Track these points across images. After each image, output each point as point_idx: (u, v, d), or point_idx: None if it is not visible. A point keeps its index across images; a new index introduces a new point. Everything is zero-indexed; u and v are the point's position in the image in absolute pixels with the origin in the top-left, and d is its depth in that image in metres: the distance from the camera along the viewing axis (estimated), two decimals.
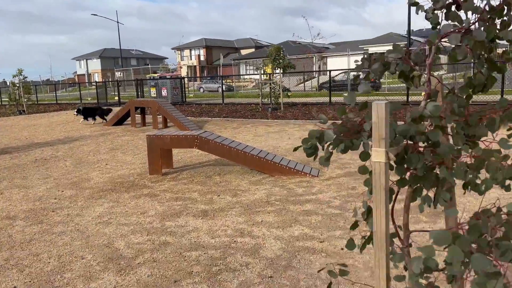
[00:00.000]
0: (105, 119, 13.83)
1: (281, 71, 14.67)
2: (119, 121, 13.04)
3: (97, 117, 13.97)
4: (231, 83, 35.94)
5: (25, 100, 20.71)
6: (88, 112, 13.92)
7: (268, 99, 16.33)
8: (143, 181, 6.03)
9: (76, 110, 14.00)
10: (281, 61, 14.66)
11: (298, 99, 18.12)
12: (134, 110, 12.46)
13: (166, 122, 12.07)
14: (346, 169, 6.14)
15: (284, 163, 5.95)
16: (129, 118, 12.76)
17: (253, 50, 58.55)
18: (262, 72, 15.05)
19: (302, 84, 28.36)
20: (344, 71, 22.87)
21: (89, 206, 4.92)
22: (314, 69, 37.37)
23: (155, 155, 6.25)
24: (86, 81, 60.30)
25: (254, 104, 16.63)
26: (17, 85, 20.84)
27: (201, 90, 36.57)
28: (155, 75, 22.39)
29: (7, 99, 21.98)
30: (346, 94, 1.75)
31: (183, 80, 22.00)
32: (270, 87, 15.47)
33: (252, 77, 40.80)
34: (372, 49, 43.80)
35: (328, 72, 28.05)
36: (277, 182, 5.58)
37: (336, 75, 25.21)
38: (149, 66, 40.98)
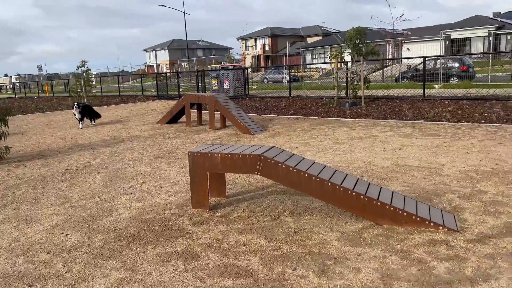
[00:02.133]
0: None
1: (363, 58, 12.16)
2: (174, 119, 11.41)
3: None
4: (296, 73, 33.59)
5: (85, 92, 20.08)
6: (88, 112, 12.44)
7: (343, 92, 13.90)
8: (182, 220, 4.12)
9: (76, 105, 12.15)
10: (362, 45, 12.15)
11: (378, 91, 15.44)
12: (189, 106, 10.74)
13: (224, 121, 10.20)
14: (502, 216, 3.75)
15: (398, 204, 3.71)
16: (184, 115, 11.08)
17: (320, 38, 55.49)
18: (338, 59, 12.66)
19: (377, 73, 25.27)
20: (437, 57, 19.51)
21: (88, 276, 3.07)
22: (389, 57, 33.76)
23: (200, 182, 4.30)
24: (155, 71, 61.03)
25: (326, 98, 14.27)
26: (79, 77, 20.29)
27: (265, 80, 34.65)
28: (217, 65, 20.73)
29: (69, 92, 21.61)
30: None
31: (246, 71, 20.11)
32: (347, 77, 13.02)
33: (320, 66, 38.08)
34: (455, 34, 38.96)
35: (409, 59, 24.55)
36: (390, 241, 3.37)
37: (419, 64, 21.89)
38: (213, 56, 39.79)
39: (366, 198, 3.70)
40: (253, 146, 4.43)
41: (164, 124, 11.44)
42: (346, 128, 9.12)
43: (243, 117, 9.35)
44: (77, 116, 12.07)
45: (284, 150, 4.36)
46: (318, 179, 3.81)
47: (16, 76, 67.85)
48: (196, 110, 11.08)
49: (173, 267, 3.13)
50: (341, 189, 3.76)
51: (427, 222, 3.56)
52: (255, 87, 26.61)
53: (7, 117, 7.97)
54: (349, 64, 14.16)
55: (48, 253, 3.51)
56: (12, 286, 2.97)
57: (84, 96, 20.01)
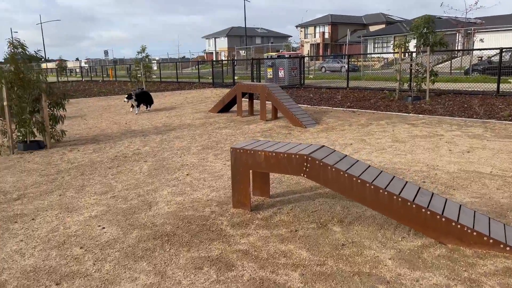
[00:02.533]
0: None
1: (430, 49, 11.19)
2: (225, 108, 11.25)
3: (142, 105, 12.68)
4: (356, 63, 32.33)
5: (144, 78, 20.55)
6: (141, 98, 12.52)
7: (406, 85, 12.97)
8: (221, 220, 3.86)
9: (127, 96, 12.43)
10: (429, 35, 11.17)
11: (445, 85, 14.29)
12: (241, 96, 10.50)
13: (276, 112, 9.85)
14: None
15: (466, 221, 3.18)
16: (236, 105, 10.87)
17: (383, 26, 53.03)
18: (402, 49, 11.76)
19: (443, 65, 23.51)
20: None
21: (116, 279, 2.90)
22: (459, 47, 31.42)
23: (242, 180, 4.01)
24: (214, 59, 61.82)
25: (387, 90, 13.43)
26: (139, 62, 20.78)
27: (323, 69, 33.73)
28: (273, 54, 20.34)
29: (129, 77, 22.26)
30: None
31: (302, 60, 19.54)
32: (411, 69, 12.10)
33: (381, 56, 36.39)
34: None
35: (482, 50, 22.38)
36: (456, 265, 2.88)
37: (493, 56, 20.09)
38: (271, 44, 39.34)
39: (429, 212, 3.21)
40: (301, 144, 4.05)
41: (216, 113, 11.32)
42: (407, 124, 8.41)
43: (295, 109, 8.94)
44: (134, 102, 12.29)
45: (335, 150, 3.94)
46: (372, 187, 3.37)
47: (85, 60, 71.84)
48: (248, 100, 10.83)
49: (205, 276, 2.87)
50: (399, 199, 3.29)
51: (502, 246, 3.01)
52: (311, 76, 25.93)
53: (64, 101, 8.16)
54: (414, 54, 13.17)
55: (81, 247, 3.40)
56: (40, 282, 2.86)
57: (143, 81, 20.50)
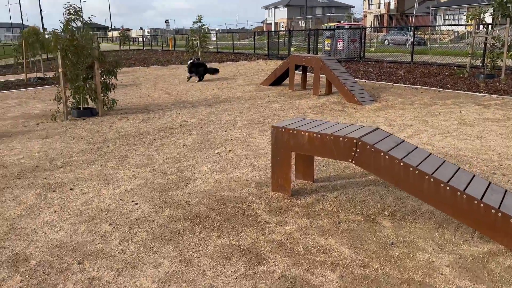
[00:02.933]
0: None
1: (510, 20, 9.91)
2: (277, 81, 10.82)
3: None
4: (423, 36, 30.12)
5: (200, 49, 20.46)
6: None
7: (478, 61, 11.72)
8: (258, 204, 3.57)
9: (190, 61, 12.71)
10: (511, 5, 9.87)
11: None
12: (294, 68, 10.00)
13: (330, 87, 9.27)
14: None
15: None
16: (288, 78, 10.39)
17: None
18: (476, 21, 10.53)
19: None
20: None
21: (139, 263, 2.71)
22: None
23: (282, 162, 3.66)
24: (273, 29, 60.69)
25: (456, 67, 12.24)
26: (196, 32, 20.68)
27: (386, 42, 31.84)
28: (332, 24, 19.36)
29: (185, 47, 22.29)
30: None
31: (364, 31, 18.38)
32: (486, 43, 10.86)
33: (452, 28, 33.64)
34: None
35: None
36: None
37: None
38: (331, 14, 37.66)
39: (500, 214, 2.69)
40: (352, 125, 3.60)
41: (267, 86, 10.93)
42: (477, 105, 7.53)
43: (351, 84, 8.33)
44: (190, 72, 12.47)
45: (390, 134, 3.45)
46: (432, 180, 2.88)
47: (148, 30, 73.64)
48: (301, 73, 10.31)
49: (232, 269, 2.61)
50: (464, 196, 2.79)
51: None
52: (373, 49, 24.53)
53: (117, 69, 8.17)
54: (490, 27, 11.79)
55: (110, 224, 3.27)
56: (63, 260, 2.75)
57: (198, 51, 20.43)
